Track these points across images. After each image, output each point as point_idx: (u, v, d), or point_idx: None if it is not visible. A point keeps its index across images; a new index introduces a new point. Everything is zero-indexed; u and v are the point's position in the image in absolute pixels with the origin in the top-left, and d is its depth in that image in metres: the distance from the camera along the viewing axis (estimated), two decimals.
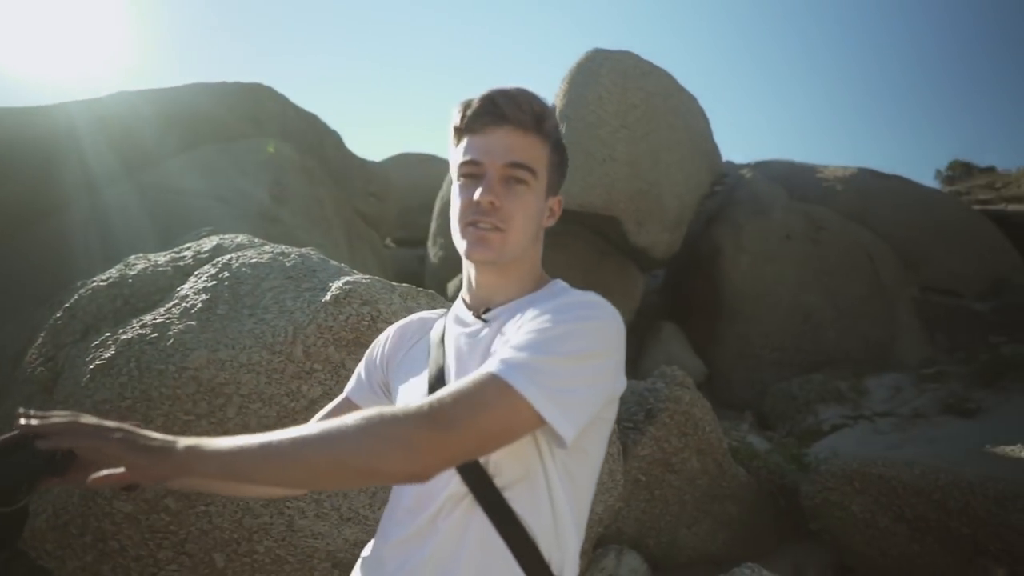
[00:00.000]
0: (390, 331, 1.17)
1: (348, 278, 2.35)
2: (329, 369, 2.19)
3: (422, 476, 0.78)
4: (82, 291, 2.67)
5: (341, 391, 2.18)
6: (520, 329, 0.89)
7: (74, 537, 2.10)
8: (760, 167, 10.56)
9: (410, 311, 2.32)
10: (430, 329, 1.12)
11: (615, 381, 0.92)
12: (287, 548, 2.15)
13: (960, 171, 18.22)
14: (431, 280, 9.21)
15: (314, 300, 2.26)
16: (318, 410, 2.16)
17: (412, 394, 1.05)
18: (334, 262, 2.64)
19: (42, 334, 2.57)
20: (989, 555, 3.08)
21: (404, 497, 1.00)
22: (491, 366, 0.83)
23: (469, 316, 1.05)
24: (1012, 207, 10.76)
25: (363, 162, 9.13)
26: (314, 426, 0.80)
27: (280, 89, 8.45)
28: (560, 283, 1.06)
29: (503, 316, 1.00)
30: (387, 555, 0.98)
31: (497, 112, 0.99)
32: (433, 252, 9.43)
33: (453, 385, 0.83)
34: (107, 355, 2.19)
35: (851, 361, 7.76)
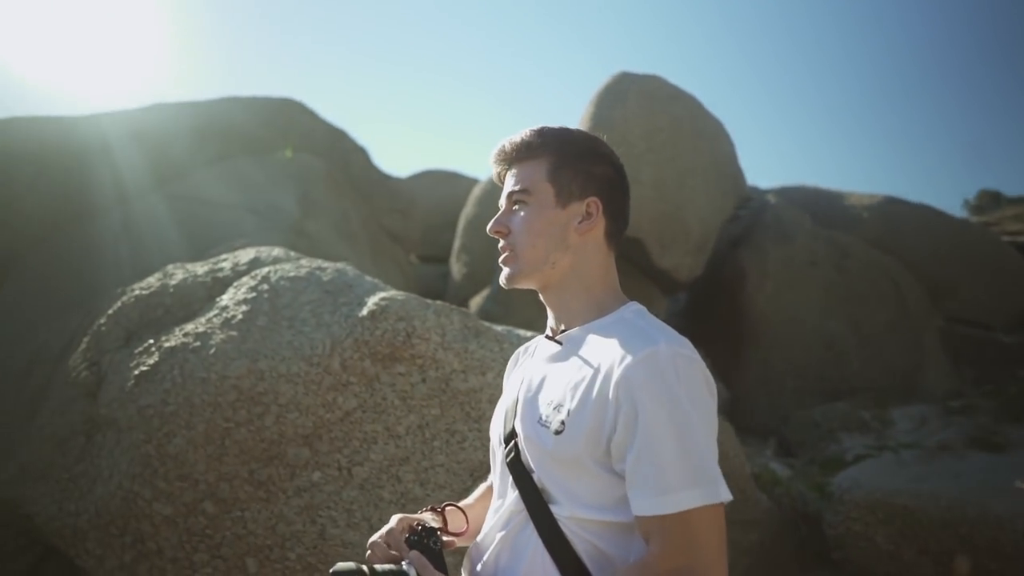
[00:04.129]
0: (512, 358, 1.27)
1: (384, 294, 2.40)
2: (364, 382, 2.24)
3: None
4: (124, 299, 2.75)
5: (375, 404, 2.23)
6: (646, 439, 0.90)
7: (114, 537, 2.16)
8: (785, 192, 10.54)
9: (444, 328, 2.37)
10: (529, 352, 1.20)
11: None
12: (318, 556, 2.19)
13: (988, 201, 18.05)
14: (453, 297, 9.28)
15: (351, 315, 2.32)
16: (353, 422, 2.23)
17: (496, 419, 1.15)
18: (368, 278, 2.70)
19: (86, 339, 2.65)
20: None
21: (492, 503, 1.10)
22: (671, 504, 0.88)
23: (545, 340, 1.12)
24: None
25: (389, 178, 9.25)
26: None
27: (309, 104, 8.60)
28: (633, 307, 1.08)
29: (576, 340, 1.05)
30: (472, 553, 1.09)
31: (499, 162, 1.13)
32: (456, 269, 9.50)
33: (658, 533, 0.90)
34: (151, 362, 2.26)
35: (875, 390, 7.68)
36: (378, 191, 8.42)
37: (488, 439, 1.19)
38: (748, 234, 9.05)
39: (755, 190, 10.56)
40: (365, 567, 0.97)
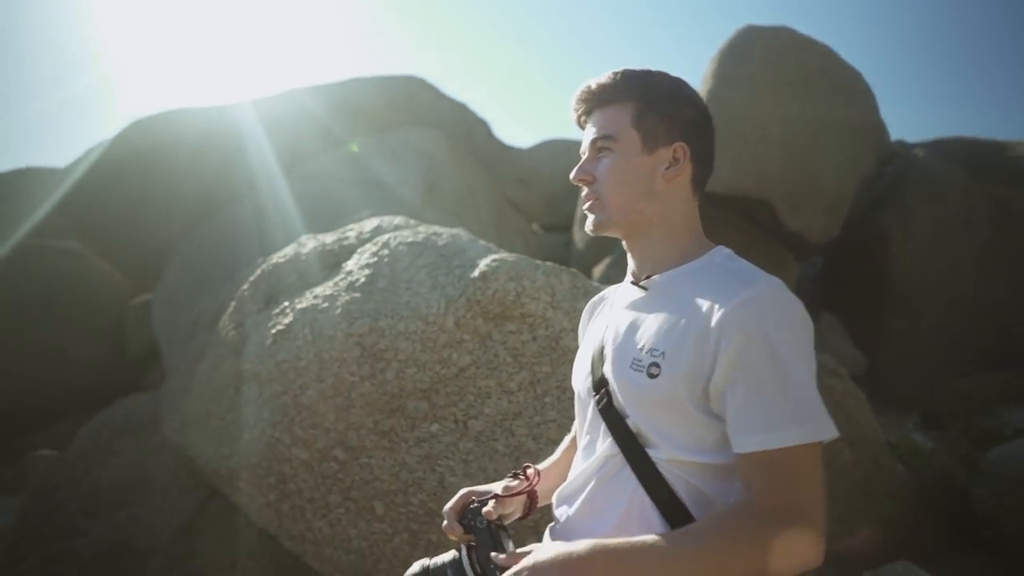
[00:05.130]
0: (585, 309, 1.29)
1: (495, 256, 2.48)
2: (477, 340, 2.34)
3: (817, 563, 0.89)
4: (264, 267, 3.02)
5: (488, 360, 2.32)
6: (747, 374, 0.91)
7: (261, 478, 2.41)
8: (937, 145, 9.65)
9: (553, 288, 2.42)
10: (606, 302, 1.22)
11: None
12: (438, 502, 2.33)
13: None
14: (576, 265, 9.31)
15: (463, 276, 2.42)
16: (467, 377, 2.33)
17: (580, 367, 1.16)
18: (481, 242, 2.79)
19: (232, 303, 2.93)
20: None
21: (578, 451, 1.12)
22: (775, 440, 0.89)
23: (630, 286, 1.12)
24: None
25: (510, 149, 9.38)
26: (694, 535, 0.91)
27: (431, 79, 8.86)
28: (723, 251, 1.07)
29: (664, 285, 1.06)
30: (560, 501, 1.11)
31: (580, 109, 1.12)
32: (579, 237, 9.52)
33: (761, 472, 0.90)
34: (286, 322, 2.47)
35: None
36: (500, 162, 8.58)
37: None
38: (893, 192, 8.40)
39: (901, 145, 9.75)
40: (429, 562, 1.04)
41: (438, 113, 8.39)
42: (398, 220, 3.24)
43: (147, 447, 3.93)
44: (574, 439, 1.29)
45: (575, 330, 2.37)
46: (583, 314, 1.29)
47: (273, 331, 2.47)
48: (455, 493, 2.35)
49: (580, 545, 0.90)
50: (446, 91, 8.93)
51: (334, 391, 2.28)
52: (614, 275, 7.34)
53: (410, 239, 2.71)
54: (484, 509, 1.08)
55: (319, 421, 2.30)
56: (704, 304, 0.96)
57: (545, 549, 0.93)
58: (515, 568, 0.92)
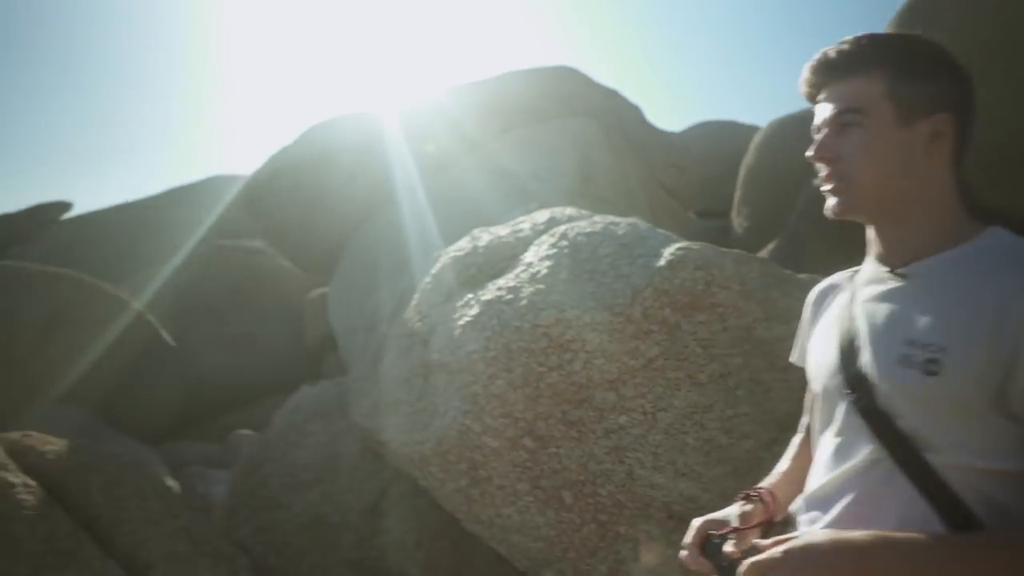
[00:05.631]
0: (810, 296, 1.19)
1: (680, 244, 2.42)
2: (665, 330, 2.29)
3: None
4: (443, 260, 3.13)
5: (677, 351, 2.26)
6: None
7: (452, 464, 2.50)
8: None
9: (743, 277, 2.31)
10: (840, 290, 1.11)
11: None
12: (627, 494, 2.32)
13: None
14: None
15: (648, 265, 2.37)
16: (656, 368, 2.29)
17: (824, 362, 1.06)
18: (660, 230, 2.73)
19: (416, 296, 3.07)
20: None
21: (821, 452, 1.03)
22: None
23: (883, 273, 1.01)
24: None
25: (663, 133, 9.14)
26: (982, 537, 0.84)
27: (582, 68, 8.81)
28: (998, 233, 0.96)
29: (930, 273, 0.95)
30: (805, 511, 1.03)
31: (815, 80, 1.02)
32: (738, 222, 9.12)
33: None
34: (472, 313, 2.55)
35: None
36: (653, 147, 8.40)
37: (795, 388, 1.13)
38: None
39: None
40: None
41: (590, 101, 8.33)
42: (570, 211, 3.24)
43: (335, 430, 4.22)
44: (804, 441, 1.21)
45: (768, 320, 2.26)
46: (808, 304, 1.20)
47: (460, 323, 2.55)
48: (643, 485, 2.33)
49: (858, 533, 0.84)
50: (597, 78, 8.84)
51: (523, 381, 2.32)
52: (781, 262, 6.94)
53: (588, 229, 2.70)
54: (725, 548, 1.01)
55: (509, 410, 2.35)
56: (994, 294, 0.85)
57: (816, 533, 0.87)
58: (785, 546, 0.86)
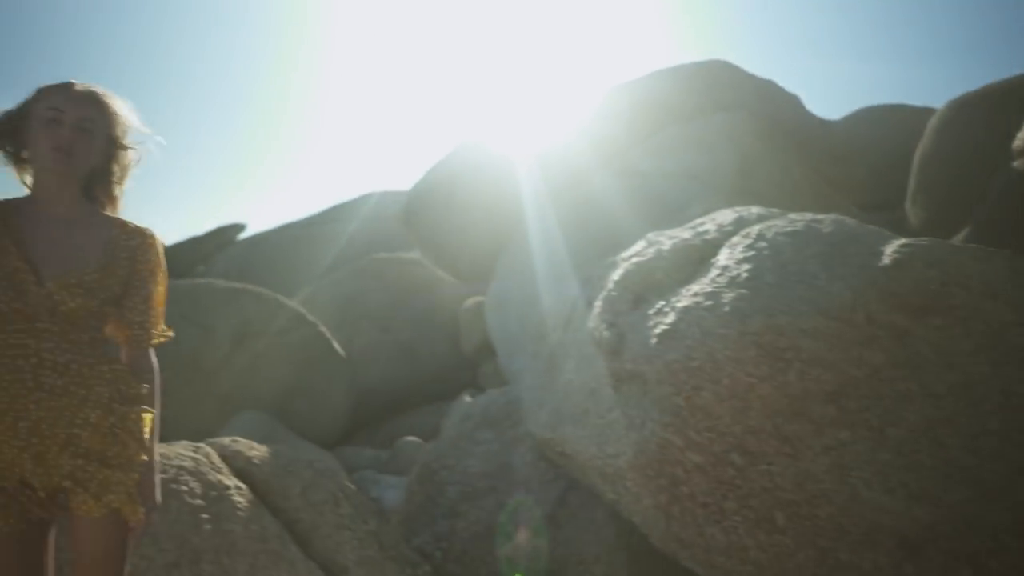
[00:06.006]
0: None
1: (903, 241, 2.18)
2: (893, 336, 2.07)
3: None
4: (626, 266, 3.03)
5: (908, 359, 2.02)
6: None
7: (650, 479, 2.40)
8: None
9: (985, 275, 2.05)
10: None
11: None
12: (849, 518, 2.11)
13: None
14: None
15: (867, 265, 2.16)
16: (882, 379, 2.07)
17: None
18: (872, 227, 2.49)
19: (598, 304, 2.99)
20: None
21: None
22: None
23: None
24: None
25: (825, 123, 8.57)
26: None
27: (734, 60, 8.42)
28: None
29: None
30: None
31: None
32: (914, 213, 8.34)
33: None
34: (668, 321, 2.43)
35: None
36: (814, 138, 7.88)
37: None
38: None
39: None
40: None
41: (743, 94, 7.96)
42: (757, 210, 3.05)
43: (506, 438, 4.22)
44: None
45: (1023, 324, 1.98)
46: None
47: (656, 331, 2.44)
48: (870, 508, 2.10)
49: None
50: (751, 70, 8.43)
51: (730, 392, 2.18)
52: None
53: (788, 228, 2.51)
54: None
55: (714, 424, 2.21)
56: None
57: None
58: None
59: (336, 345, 6.49)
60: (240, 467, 3.27)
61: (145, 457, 1.69)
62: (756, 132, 7.18)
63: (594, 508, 3.50)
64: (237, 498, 3.03)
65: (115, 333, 1.76)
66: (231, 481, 3.10)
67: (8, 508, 1.58)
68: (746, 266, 2.42)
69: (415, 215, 7.71)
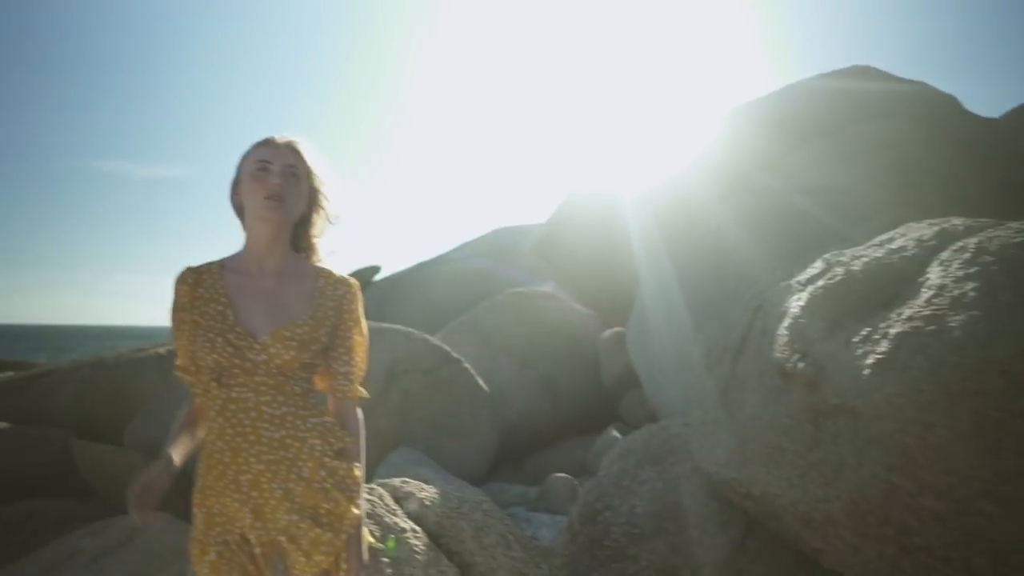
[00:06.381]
0: None
1: None
2: None
3: None
4: (811, 290, 2.80)
5: None
6: None
7: (872, 527, 2.14)
8: None
9: None
10: None
11: None
12: None
13: None
14: None
15: None
16: None
17: None
18: None
19: (784, 333, 2.76)
20: None
21: None
22: None
23: None
24: None
25: (989, 121, 7.81)
26: None
27: (877, 64, 7.88)
28: None
29: None
30: None
31: None
32: None
33: None
34: (882, 349, 2.18)
35: None
36: (981, 139, 7.18)
37: None
38: None
39: None
40: None
41: (894, 100, 7.41)
42: (960, 221, 2.73)
43: (670, 476, 4.01)
44: None
45: None
46: None
47: (867, 361, 2.20)
48: None
49: None
50: (899, 73, 7.85)
51: (974, 430, 1.91)
52: None
53: (1018, 239, 2.21)
54: None
55: (956, 466, 1.94)
56: None
57: None
58: None
59: (480, 381, 6.51)
60: (413, 509, 3.27)
61: (356, 512, 1.67)
62: (915, 138, 6.64)
63: (779, 552, 3.23)
64: (414, 541, 3.02)
65: (322, 383, 1.77)
66: (407, 523, 3.10)
67: (231, 562, 1.60)
68: (971, 284, 2.14)
69: (551, 248, 7.68)
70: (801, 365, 2.53)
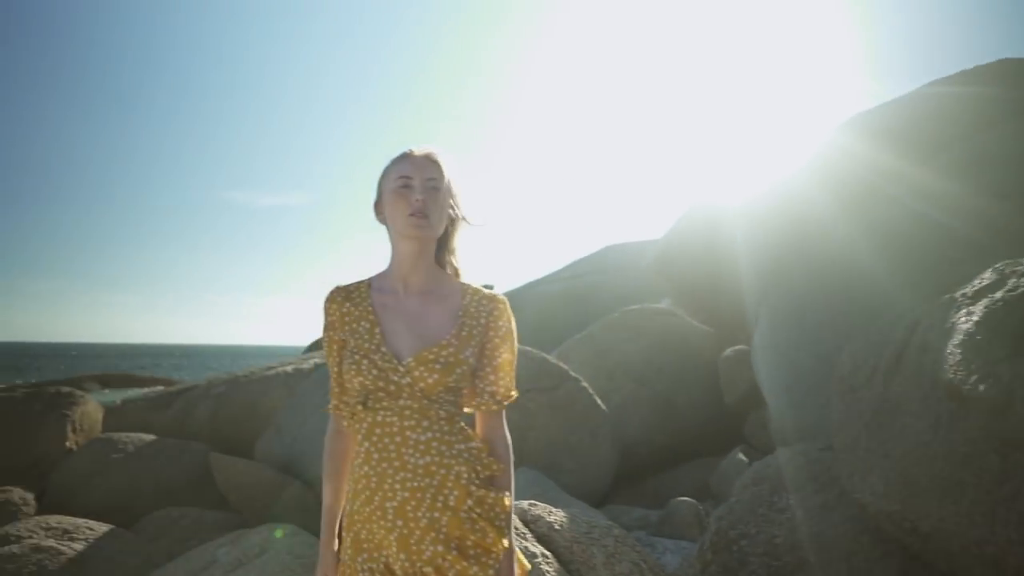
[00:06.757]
0: None
1: None
2: None
3: None
4: (985, 303, 2.52)
5: None
6: None
7: None
8: None
9: None
10: None
11: None
12: None
13: None
14: None
15: None
16: None
17: None
18: None
19: (955, 350, 2.50)
20: None
21: None
22: None
23: None
24: None
25: None
26: None
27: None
28: None
29: None
30: None
31: None
32: None
33: None
34: None
35: None
36: None
37: None
38: None
39: None
40: None
41: None
42: None
43: (811, 504, 3.73)
44: None
45: None
46: None
47: None
48: None
49: None
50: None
51: None
52: None
53: None
54: None
55: None
56: None
57: None
58: None
59: (598, 400, 6.38)
60: (542, 533, 3.18)
61: (506, 543, 1.59)
62: None
63: None
64: (545, 567, 2.93)
65: (468, 404, 1.72)
66: (537, 548, 3.01)
67: None
68: None
69: (669, 264, 7.43)
70: (982, 387, 2.26)
